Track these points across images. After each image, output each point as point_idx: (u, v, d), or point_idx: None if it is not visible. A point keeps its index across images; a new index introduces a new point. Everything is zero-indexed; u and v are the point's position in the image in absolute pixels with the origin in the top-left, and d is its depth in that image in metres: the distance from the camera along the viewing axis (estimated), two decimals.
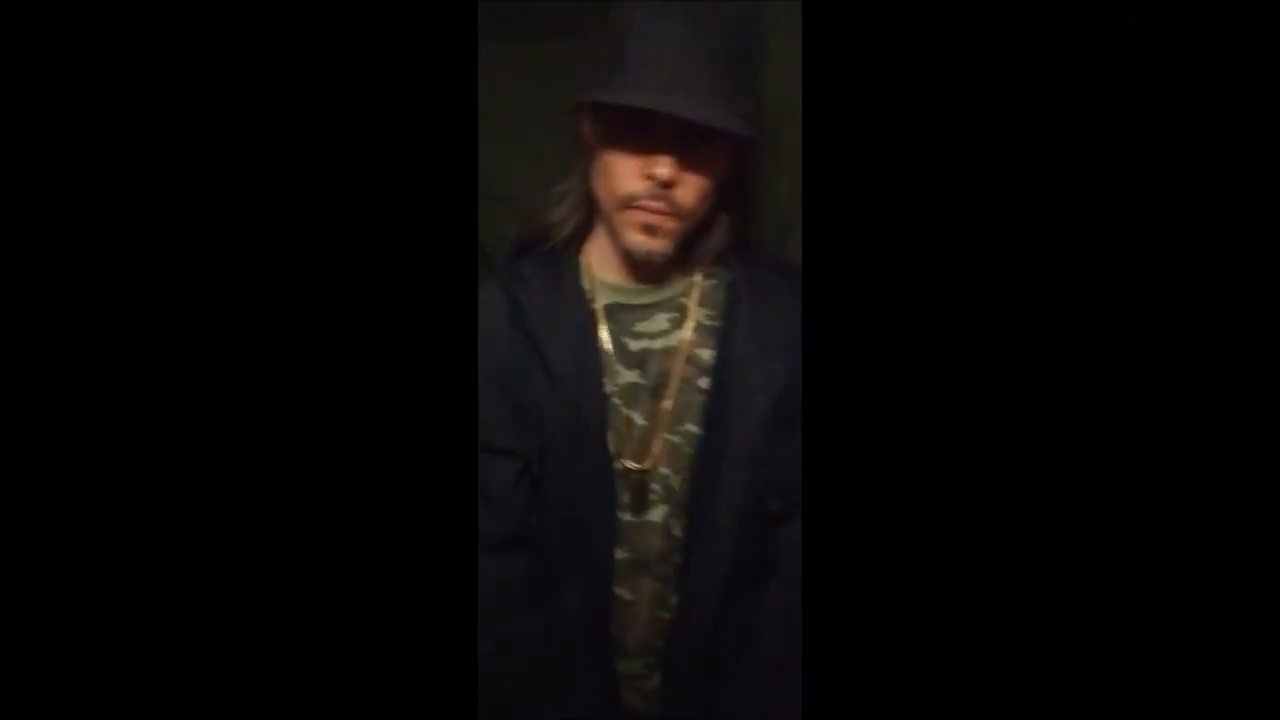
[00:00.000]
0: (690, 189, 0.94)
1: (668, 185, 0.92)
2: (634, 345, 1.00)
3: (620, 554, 0.98)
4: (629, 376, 0.99)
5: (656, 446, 0.98)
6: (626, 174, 0.94)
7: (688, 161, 0.93)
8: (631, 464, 0.98)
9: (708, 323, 1.01)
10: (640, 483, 0.99)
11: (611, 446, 0.98)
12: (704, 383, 0.99)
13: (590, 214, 1.01)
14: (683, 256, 1.00)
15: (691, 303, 1.01)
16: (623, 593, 0.98)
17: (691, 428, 0.99)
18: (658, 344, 1.00)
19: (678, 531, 0.98)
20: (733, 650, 0.99)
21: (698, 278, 1.02)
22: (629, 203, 0.94)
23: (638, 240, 0.95)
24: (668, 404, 0.98)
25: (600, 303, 1.00)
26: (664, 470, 0.98)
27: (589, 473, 0.97)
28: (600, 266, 1.02)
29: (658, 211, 0.93)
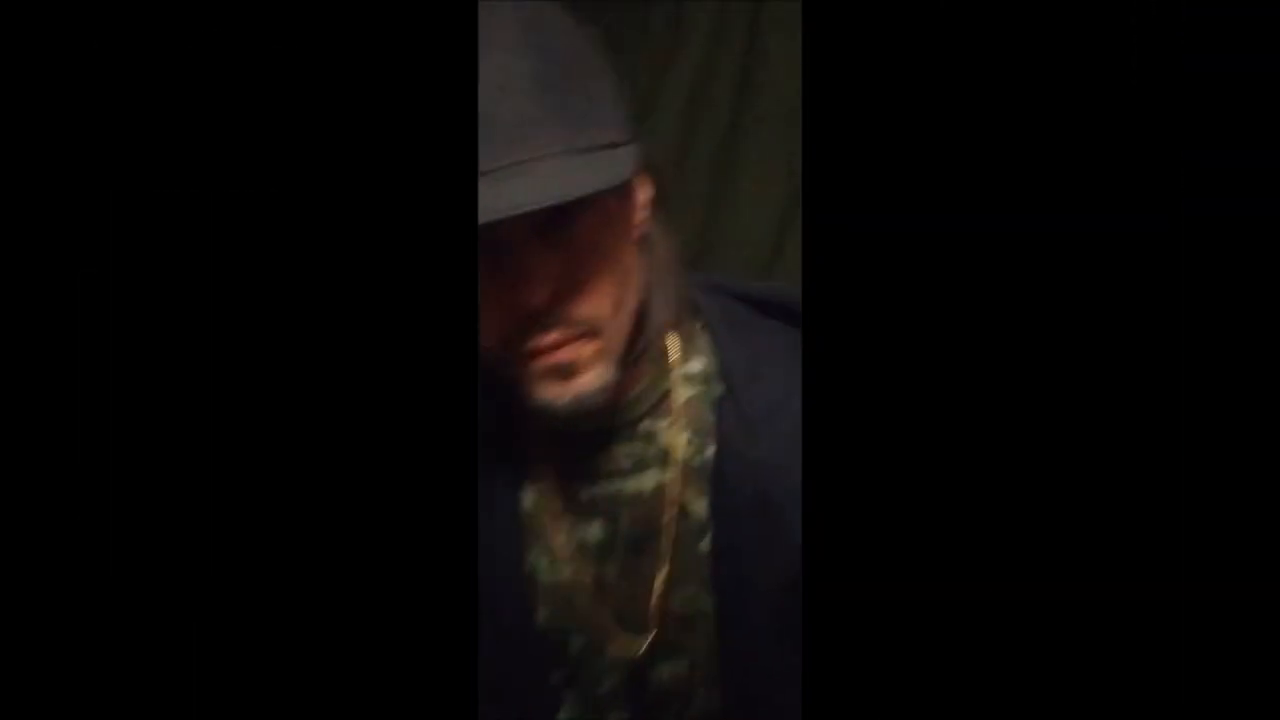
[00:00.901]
0: (593, 295, 0.66)
1: (550, 308, 0.65)
2: (588, 491, 0.74)
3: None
4: (589, 532, 0.74)
5: (657, 618, 0.73)
6: (495, 323, 0.66)
7: (563, 256, 0.65)
8: (621, 654, 0.74)
9: (695, 455, 0.74)
10: (634, 666, 0.74)
11: (578, 621, 0.74)
12: (694, 539, 0.73)
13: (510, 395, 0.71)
14: (632, 361, 0.72)
15: (660, 427, 0.73)
16: None
17: (700, 594, 0.74)
18: (627, 486, 0.74)
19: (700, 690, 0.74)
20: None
21: (674, 385, 0.74)
22: (520, 358, 0.66)
23: (556, 394, 0.67)
24: (646, 565, 0.73)
25: (532, 433, 0.74)
26: (662, 652, 0.74)
27: (521, 655, 0.74)
28: (535, 382, 0.70)
29: (558, 343, 0.66)
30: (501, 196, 0.61)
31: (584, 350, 0.67)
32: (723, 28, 1.25)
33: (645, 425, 0.74)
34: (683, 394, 0.74)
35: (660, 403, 0.74)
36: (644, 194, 0.73)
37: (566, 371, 0.67)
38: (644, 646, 0.73)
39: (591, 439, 0.74)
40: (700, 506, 0.73)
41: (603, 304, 0.67)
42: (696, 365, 0.76)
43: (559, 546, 0.74)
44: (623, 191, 0.68)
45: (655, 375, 0.74)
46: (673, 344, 0.75)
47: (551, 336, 0.66)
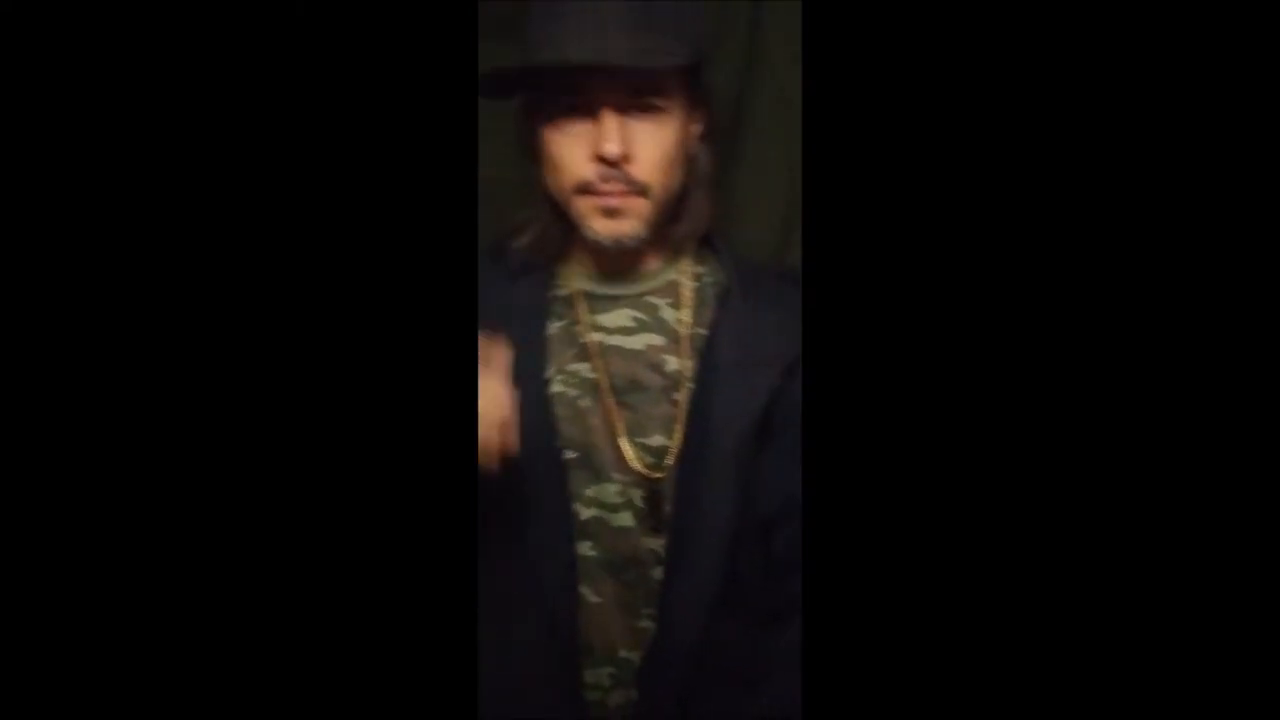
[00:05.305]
0: (647, 162, 0.87)
1: (619, 162, 0.86)
2: (590, 336, 0.93)
3: (587, 550, 0.91)
4: (578, 367, 0.92)
5: (625, 452, 0.91)
6: (572, 160, 0.87)
7: (637, 131, 0.87)
8: (640, 469, 0.90)
9: (684, 330, 0.93)
10: (648, 488, 0.91)
11: (565, 436, 0.91)
12: (674, 395, 0.91)
13: (562, 220, 0.92)
14: (660, 247, 0.94)
15: (665, 304, 0.94)
16: (587, 593, 0.91)
17: (657, 440, 0.91)
18: (614, 341, 0.93)
19: (653, 544, 0.91)
20: (717, 678, 0.90)
21: (684, 279, 0.95)
22: (583, 190, 0.88)
23: (601, 226, 0.88)
24: (628, 411, 0.91)
25: (568, 289, 0.94)
26: (620, 476, 0.91)
27: (533, 463, 0.88)
28: (579, 258, 0.95)
29: (617, 193, 0.87)
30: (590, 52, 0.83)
31: (632, 202, 0.88)
32: (723, 28, 1.25)
33: (652, 300, 0.95)
34: (689, 285, 0.95)
35: (668, 287, 0.95)
36: (700, 120, 0.93)
37: (614, 213, 0.88)
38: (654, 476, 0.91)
39: (605, 300, 0.95)
40: (674, 364, 0.93)
41: (656, 174, 0.88)
42: (705, 271, 0.97)
43: (566, 375, 0.92)
44: (689, 104, 0.90)
45: (668, 265, 0.96)
46: (690, 247, 0.96)
47: (612, 184, 0.87)
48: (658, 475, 0.90)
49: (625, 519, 0.92)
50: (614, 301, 0.94)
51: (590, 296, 0.95)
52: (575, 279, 0.96)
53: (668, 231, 0.93)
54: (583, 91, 0.86)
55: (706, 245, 0.98)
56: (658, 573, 0.91)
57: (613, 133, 0.86)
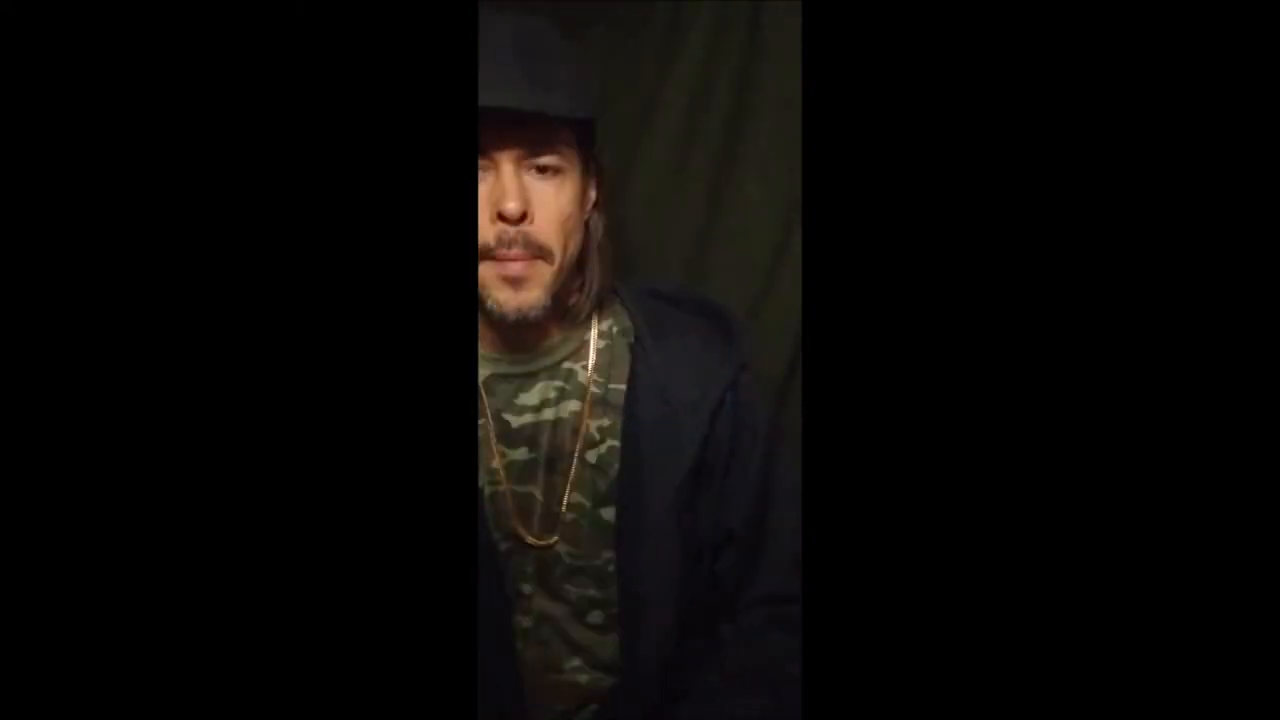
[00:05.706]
0: (546, 222, 0.86)
1: (520, 220, 0.84)
2: (517, 421, 0.93)
3: (525, 622, 0.95)
4: (516, 455, 0.93)
5: (558, 522, 0.93)
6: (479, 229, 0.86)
7: (535, 190, 0.86)
8: (533, 540, 0.93)
9: (598, 390, 0.94)
10: (543, 559, 0.95)
11: (504, 528, 0.93)
12: (592, 456, 0.93)
13: None
14: (563, 311, 0.93)
15: (579, 367, 0.95)
16: (526, 653, 0.96)
17: (585, 502, 0.94)
18: (546, 415, 0.94)
19: (597, 619, 0.95)
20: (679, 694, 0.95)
21: (591, 336, 0.95)
22: (485, 255, 0.86)
23: (505, 298, 0.87)
24: (559, 480, 0.93)
25: (480, 376, 0.93)
26: (563, 547, 0.94)
27: (480, 557, 0.91)
28: (481, 336, 0.93)
29: (518, 258, 0.86)
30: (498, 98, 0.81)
31: (534, 269, 0.87)
32: (723, 27, 1.25)
33: (567, 366, 0.95)
34: (597, 343, 0.95)
35: (579, 349, 0.95)
36: (595, 188, 0.94)
37: (518, 283, 0.86)
38: (553, 541, 0.94)
39: (523, 379, 0.94)
40: (598, 426, 0.93)
41: (556, 236, 0.87)
42: (611, 323, 0.97)
43: (503, 467, 0.93)
44: (584, 168, 0.90)
45: (578, 328, 0.95)
46: (594, 308, 0.96)
47: (513, 249, 0.85)
48: (547, 542, 0.94)
49: (530, 585, 0.96)
50: (532, 378, 0.94)
51: (503, 378, 0.94)
52: (482, 364, 0.94)
53: (568, 307, 0.93)
54: (481, 152, 0.84)
55: (610, 293, 0.98)
56: (580, 627, 0.95)
57: (512, 190, 0.84)
